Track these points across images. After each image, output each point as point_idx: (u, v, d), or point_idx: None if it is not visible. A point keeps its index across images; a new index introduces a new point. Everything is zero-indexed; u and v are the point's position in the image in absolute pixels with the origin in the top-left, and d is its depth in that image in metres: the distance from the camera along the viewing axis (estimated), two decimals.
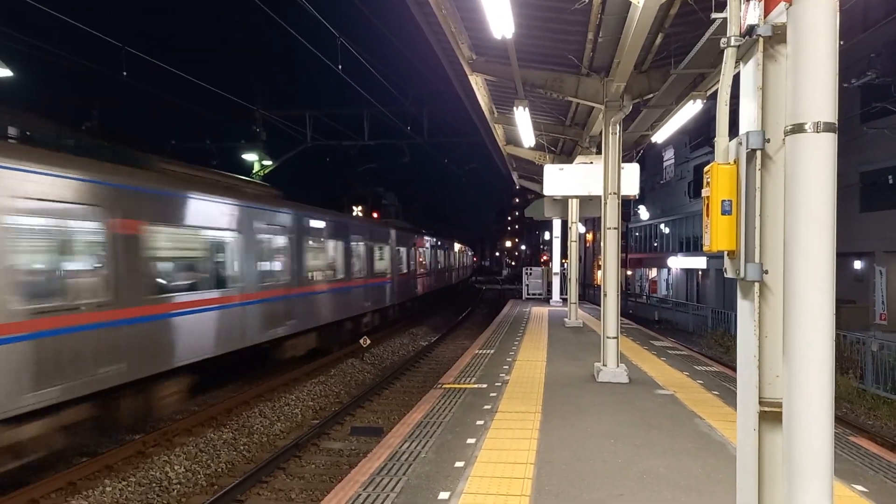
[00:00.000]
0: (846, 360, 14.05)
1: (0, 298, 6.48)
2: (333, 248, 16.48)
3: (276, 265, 13.19)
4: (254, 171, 23.76)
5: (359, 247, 18.49)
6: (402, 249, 24.44)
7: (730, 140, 3.20)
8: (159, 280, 9.33)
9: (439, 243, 35.17)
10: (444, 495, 4.86)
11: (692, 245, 34.72)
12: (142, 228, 8.71)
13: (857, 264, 22.32)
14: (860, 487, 5.07)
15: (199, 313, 10.09)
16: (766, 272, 2.99)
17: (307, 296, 14.48)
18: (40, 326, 6.87)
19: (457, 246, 47.49)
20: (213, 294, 10.55)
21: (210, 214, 10.60)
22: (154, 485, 7.59)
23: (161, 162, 10.66)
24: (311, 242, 14.84)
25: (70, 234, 7.54)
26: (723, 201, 3.04)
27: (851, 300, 20.55)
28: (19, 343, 6.61)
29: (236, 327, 11.24)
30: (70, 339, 7.28)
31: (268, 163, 24.14)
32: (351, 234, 17.76)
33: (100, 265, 7.99)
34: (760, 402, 3.00)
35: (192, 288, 10.09)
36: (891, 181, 19.51)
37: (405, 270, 24.92)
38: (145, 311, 8.72)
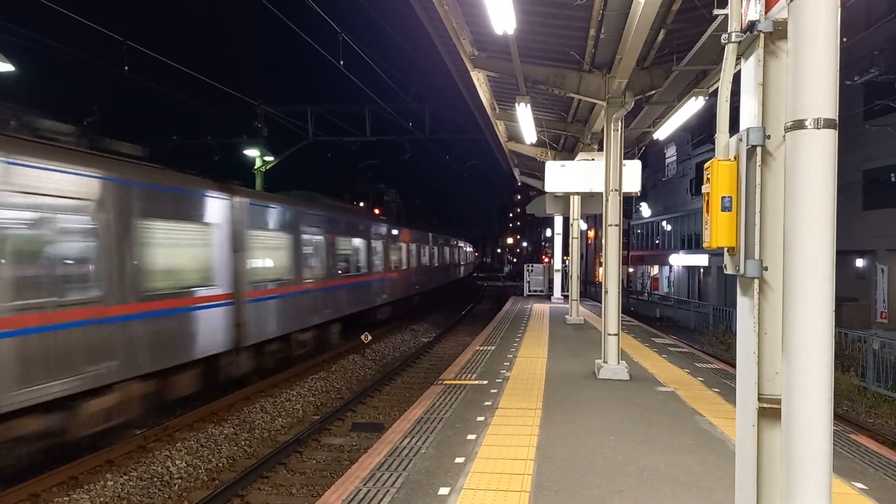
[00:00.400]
0: (847, 358, 14.05)
1: None
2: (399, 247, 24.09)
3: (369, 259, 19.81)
4: (255, 167, 23.76)
5: (398, 245, 24.13)
6: (423, 246, 29.40)
7: (730, 136, 3.19)
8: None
9: (447, 241, 37.67)
10: (444, 491, 4.87)
11: (694, 242, 34.69)
12: (332, 239, 16.19)
13: (859, 262, 22.29)
14: (860, 485, 5.08)
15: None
16: (766, 269, 2.99)
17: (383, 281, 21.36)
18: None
19: (464, 244, 47.76)
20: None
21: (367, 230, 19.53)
22: (155, 479, 7.62)
23: (328, 199, 18.24)
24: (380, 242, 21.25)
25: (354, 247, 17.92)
26: (723, 198, 3.04)
27: (853, 298, 20.53)
28: None
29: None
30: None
31: (269, 158, 24.14)
32: (393, 234, 23.41)
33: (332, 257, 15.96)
34: (759, 399, 3.00)
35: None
36: (893, 179, 19.47)
37: (425, 264, 29.93)
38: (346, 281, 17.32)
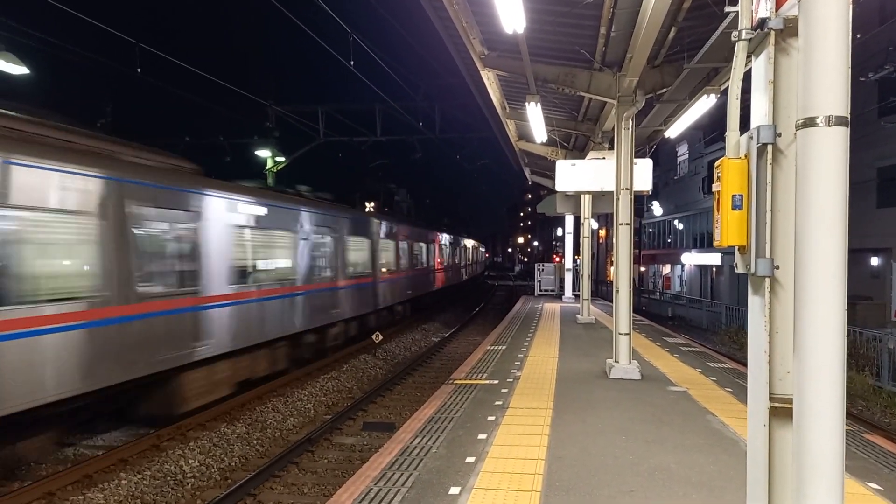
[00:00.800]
0: (862, 358, 13.92)
1: None
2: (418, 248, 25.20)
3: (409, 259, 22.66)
4: (266, 168, 23.87)
5: (422, 245, 26.16)
6: (445, 247, 31.20)
7: (741, 135, 3.18)
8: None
9: (459, 241, 37.74)
10: (454, 490, 4.88)
11: (706, 241, 34.49)
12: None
13: (874, 261, 22.07)
14: (874, 485, 5.03)
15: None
16: (777, 267, 2.97)
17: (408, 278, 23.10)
18: None
19: (474, 244, 47.61)
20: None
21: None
22: (169, 478, 7.67)
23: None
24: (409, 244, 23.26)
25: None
26: (733, 196, 3.02)
27: (868, 297, 20.33)
28: None
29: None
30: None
31: (280, 159, 24.24)
32: (421, 236, 25.86)
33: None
34: (771, 398, 2.98)
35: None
36: None
37: (446, 263, 31.39)
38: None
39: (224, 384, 10.44)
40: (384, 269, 19.78)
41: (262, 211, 11.68)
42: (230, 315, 10.44)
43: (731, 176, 3.05)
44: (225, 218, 10.42)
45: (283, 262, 12.67)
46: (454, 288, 37.13)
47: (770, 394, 2.99)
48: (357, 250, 17.11)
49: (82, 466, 7.53)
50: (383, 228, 20.04)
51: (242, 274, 10.96)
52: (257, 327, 11.38)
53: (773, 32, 2.95)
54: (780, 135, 2.95)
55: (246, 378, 11.16)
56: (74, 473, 7.38)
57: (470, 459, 5.61)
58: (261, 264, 11.75)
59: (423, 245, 26.90)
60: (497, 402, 7.73)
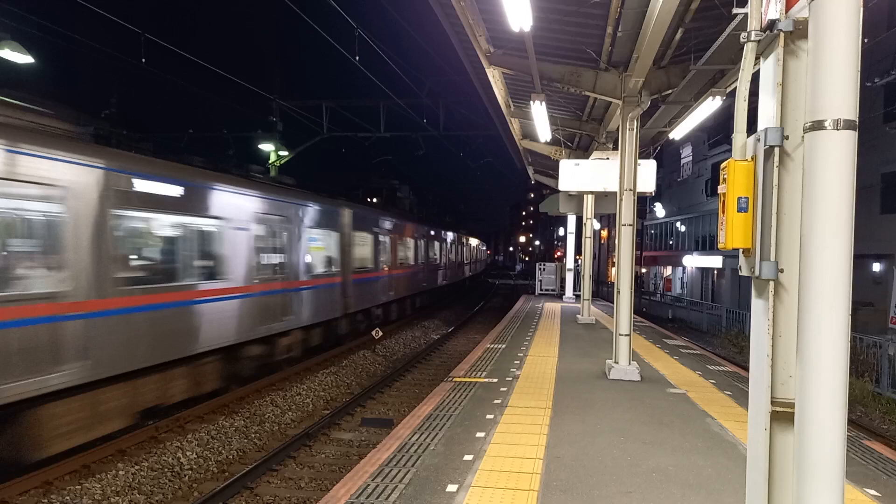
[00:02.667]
0: (862, 364, 13.89)
1: None
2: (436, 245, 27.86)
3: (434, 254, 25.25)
4: (270, 161, 23.85)
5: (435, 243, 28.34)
6: (439, 243, 30.70)
7: (748, 137, 3.16)
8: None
9: (457, 238, 37.32)
10: (452, 488, 4.87)
11: (708, 244, 34.41)
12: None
13: (876, 266, 22.01)
14: (873, 491, 5.02)
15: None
16: (782, 271, 2.95)
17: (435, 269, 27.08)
18: None
19: (474, 241, 47.41)
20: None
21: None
22: (166, 470, 7.68)
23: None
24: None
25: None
26: (739, 198, 3.01)
27: (869, 303, 20.27)
28: None
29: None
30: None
31: (284, 153, 24.22)
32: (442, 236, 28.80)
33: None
34: (772, 402, 2.97)
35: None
36: None
37: (440, 262, 30.97)
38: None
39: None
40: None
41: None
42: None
43: (737, 178, 3.03)
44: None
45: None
46: (451, 289, 35.54)
47: (772, 397, 2.97)
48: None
49: (80, 456, 7.53)
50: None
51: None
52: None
53: (782, 34, 2.93)
54: (787, 137, 2.93)
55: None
56: (72, 463, 7.39)
57: (468, 457, 5.60)
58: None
59: (412, 241, 23.97)
60: (496, 401, 7.72)
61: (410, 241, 23.78)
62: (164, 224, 9.23)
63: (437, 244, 29.51)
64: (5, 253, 6.65)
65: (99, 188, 7.79)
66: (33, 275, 6.95)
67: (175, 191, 9.26)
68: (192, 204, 9.70)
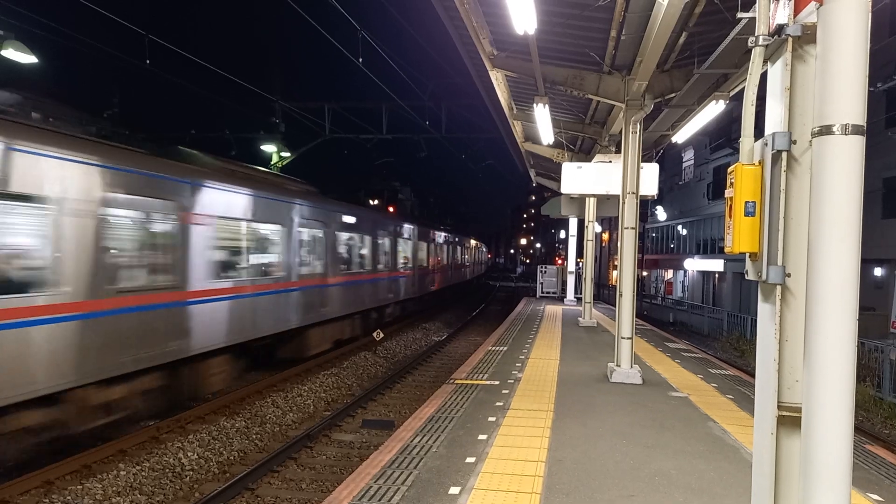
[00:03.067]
0: (863, 368, 13.87)
1: None
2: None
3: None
4: (272, 163, 23.88)
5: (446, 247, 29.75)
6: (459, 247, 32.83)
7: (754, 141, 3.16)
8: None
9: (453, 238, 36.49)
10: (454, 490, 4.87)
11: (709, 247, 34.42)
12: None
13: (878, 271, 22.00)
14: (875, 496, 5.01)
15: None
16: (789, 275, 2.95)
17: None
18: None
19: (474, 243, 47.39)
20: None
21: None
22: (167, 470, 7.67)
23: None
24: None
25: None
26: (746, 202, 3.00)
27: (871, 308, 20.25)
28: None
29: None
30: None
31: (286, 154, 24.24)
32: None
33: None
34: (779, 407, 2.96)
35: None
36: None
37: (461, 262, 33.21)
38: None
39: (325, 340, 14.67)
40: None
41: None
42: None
43: (744, 182, 3.03)
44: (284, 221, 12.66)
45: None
46: (447, 292, 33.05)
47: (778, 402, 2.97)
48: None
49: (81, 456, 7.53)
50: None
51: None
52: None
53: (790, 39, 2.93)
54: (795, 142, 2.93)
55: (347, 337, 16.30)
56: (73, 463, 7.38)
57: (470, 460, 5.60)
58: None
59: (387, 240, 19.94)
60: (498, 403, 7.71)
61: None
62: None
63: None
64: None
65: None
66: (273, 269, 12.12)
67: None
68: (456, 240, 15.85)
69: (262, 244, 12.00)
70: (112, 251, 8.05)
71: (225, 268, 10.55)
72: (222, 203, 10.39)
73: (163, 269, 9.01)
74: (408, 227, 23.08)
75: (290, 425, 10.13)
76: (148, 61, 14.83)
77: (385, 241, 19.76)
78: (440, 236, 30.52)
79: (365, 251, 17.84)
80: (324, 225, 14.52)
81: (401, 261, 21.75)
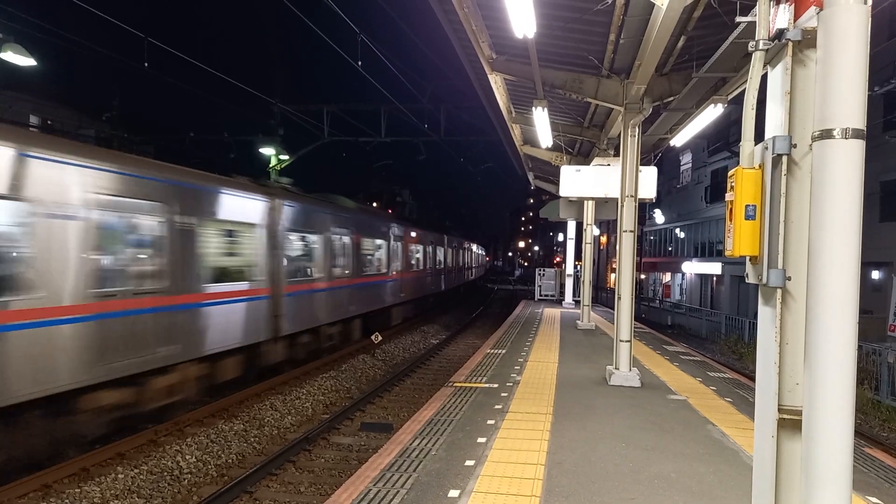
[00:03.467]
0: (861, 371, 13.89)
1: None
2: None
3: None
4: (270, 165, 23.87)
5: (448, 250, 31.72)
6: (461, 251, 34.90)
7: (755, 145, 3.17)
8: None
9: (468, 246, 41.41)
10: (454, 493, 4.87)
11: (707, 250, 34.48)
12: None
13: (876, 274, 22.05)
14: (875, 499, 5.02)
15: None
16: (789, 279, 2.96)
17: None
18: None
19: (474, 247, 47.52)
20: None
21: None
22: (165, 473, 7.65)
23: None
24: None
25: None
26: (746, 206, 3.01)
27: (868, 310, 20.28)
28: None
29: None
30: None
31: (285, 157, 24.23)
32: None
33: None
34: (779, 410, 2.97)
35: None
36: None
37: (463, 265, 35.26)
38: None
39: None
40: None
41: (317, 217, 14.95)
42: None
43: (744, 186, 3.04)
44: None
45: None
46: (468, 284, 37.23)
47: (779, 405, 2.97)
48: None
49: (79, 459, 7.51)
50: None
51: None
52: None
53: (790, 43, 2.94)
54: (795, 146, 2.94)
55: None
56: (71, 466, 7.36)
57: (469, 463, 5.59)
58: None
59: (430, 248, 26.82)
60: (497, 406, 7.71)
61: (462, 253, 34.53)
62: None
63: (467, 254, 36.19)
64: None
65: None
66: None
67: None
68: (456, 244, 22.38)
69: (377, 251, 19.07)
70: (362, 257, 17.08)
71: (369, 264, 17.94)
72: (366, 229, 17.67)
73: (346, 266, 15.96)
74: (442, 237, 31.52)
75: (288, 428, 10.11)
76: (146, 64, 14.83)
77: (430, 249, 27.69)
78: (455, 242, 37.28)
79: (420, 256, 25.69)
80: (400, 240, 21.74)
81: (435, 263, 29.20)
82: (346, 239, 16.12)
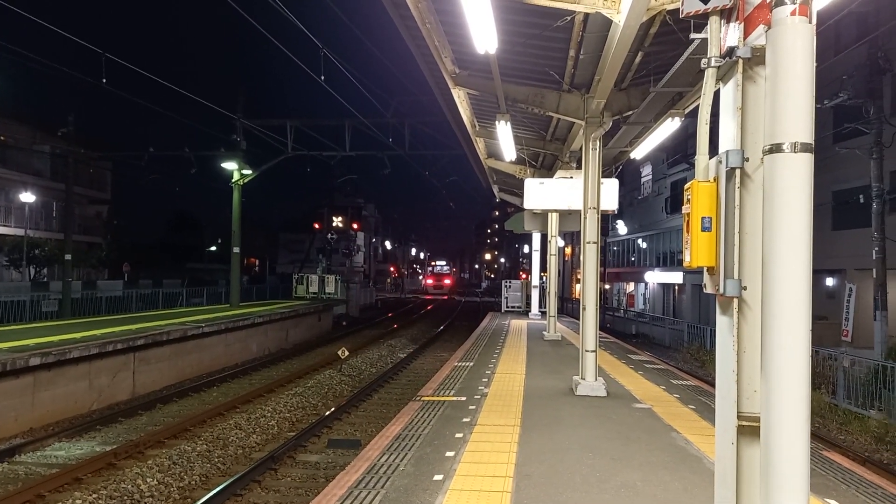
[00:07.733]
0: (818, 376, 14.26)
1: None
2: None
3: None
4: (233, 180, 23.60)
5: None
6: None
7: (710, 158, 3.26)
8: None
9: None
10: None
11: (669, 260, 35.13)
12: None
13: (829, 281, 22.74)
14: (833, 502, 5.14)
15: None
16: (745, 288, 3.04)
17: None
18: None
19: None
20: None
21: None
22: (125, 498, 7.44)
23: None
24: None
25: None
26: (703, 218, 3.09)
27: (823, 317, 20.90)
28: None
29: None
30: None
31: (247, 172, 23.98)
32: None
33: None
34: (739, 417, 3.04)
35: None
36: (862, 200, 19.95)
37: None
38: None
39: None
40: None
41: None
42: None
43: (700, 199, 3.12)
44: None
45: None
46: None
47: (738, 412, 3.04)
48: None
49: (34, 486, 7.26)
50: None
51: None
52: None
53: (741, 61, 3.04)
54: (747, 159, 3.03)
55: None
56: (27, 493, 7.12)
57: (438, 477, 5.57)
58: None
59: None
60: (465, 419, 7.70)
61: None
62: None
63: None
64: None
65: None
66: None
67: None
68: None
69: None
70: None
71: None
72: None
73: None
74: None
75: (253, 447, 9.94)
76: (105, 80, 14.56)
77: None
78: None
79: None
80: None
81: None
82: None
